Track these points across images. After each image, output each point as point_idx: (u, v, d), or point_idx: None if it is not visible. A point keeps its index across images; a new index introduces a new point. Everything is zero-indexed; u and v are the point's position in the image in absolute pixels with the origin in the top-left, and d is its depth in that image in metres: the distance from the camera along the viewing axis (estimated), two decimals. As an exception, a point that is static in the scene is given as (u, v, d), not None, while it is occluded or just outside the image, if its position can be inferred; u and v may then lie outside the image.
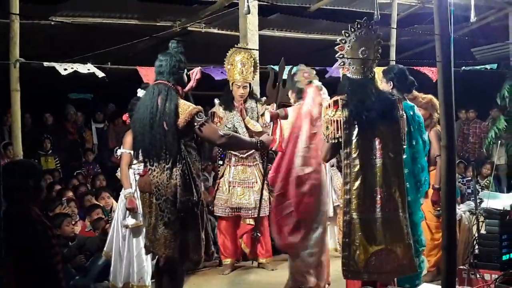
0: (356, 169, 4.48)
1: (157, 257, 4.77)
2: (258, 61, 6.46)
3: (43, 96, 8.61)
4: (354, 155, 4.49)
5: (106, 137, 11.19)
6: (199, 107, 4.52)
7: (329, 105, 4.54)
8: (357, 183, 4.46)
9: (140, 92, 6.09)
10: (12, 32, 6.30)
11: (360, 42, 4.75)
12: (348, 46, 4.71)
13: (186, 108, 4.44)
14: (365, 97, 4.56)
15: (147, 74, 7.43)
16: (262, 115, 6.52)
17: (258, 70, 6.83)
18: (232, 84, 6.58)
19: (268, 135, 5.04)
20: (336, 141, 4.50)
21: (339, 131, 4.48)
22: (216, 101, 6.67)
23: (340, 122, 4.46)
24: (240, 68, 6.42)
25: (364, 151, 4.50)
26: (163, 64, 4.59)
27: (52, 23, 8.31)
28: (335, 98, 4.55)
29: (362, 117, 4.47)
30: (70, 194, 7.75)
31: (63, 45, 9.26)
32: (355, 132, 4.48)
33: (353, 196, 4.46)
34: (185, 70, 4.69)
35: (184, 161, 4.46)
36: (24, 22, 6.67)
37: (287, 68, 5.77)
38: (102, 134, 11.32)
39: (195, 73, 4.74)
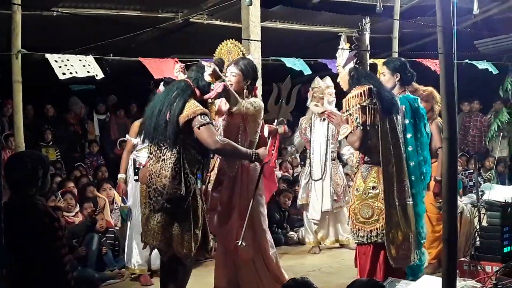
0: (390, 157, 4.76)
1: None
2: (245, 52, 6.47)
3: (45, 87, 8.59)
4: (389, 142, 4.76)
5: (108, 128, 11.20)
6: (206, 110, 4.68)
7: (363, 93, 4.74)
8: (394, 169, 4.77)
9: (162, 87, 6.23)
10: (14, 23, 6.28)
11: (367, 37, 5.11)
12: (362, 40, 4.91)
13: (193, 107, 4.60)
14: (386, 88, 4.96)
15: (151, 64, 7.43)
16: None
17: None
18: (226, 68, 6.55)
19: (265, 149, 5.10)
20: (369, 127, 4.75)
21: (375, 118, 4.73)
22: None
23: (375, 109, 4.73)
24: (227, 57, 6.40)
25: (395, 138, 4.80)
26: (198, 70, 4.86)
27: (54, 14, 8.27)
28: (367, 86, 4.76)
29: (391, 106, 4.81)
30: (72, 185, 7.78)
31: (65, 36, 9.23)
32: (387, 120, 4.76)
33: (393, 182, 4.75)
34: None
35: (178, 155, 4.59)
36: (26, 13, 6.64)
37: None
38: (104, 126, 11.33)
39: (218, 86, 4.82)
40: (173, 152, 4.61)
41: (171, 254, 4.75)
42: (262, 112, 5.21)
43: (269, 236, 5.35)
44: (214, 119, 5.78)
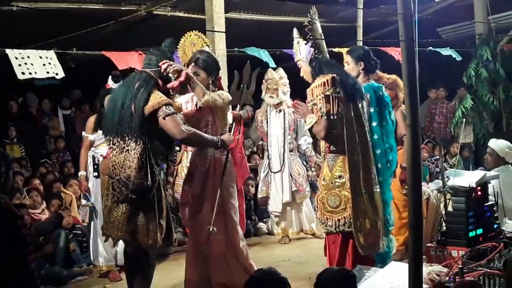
0: (356, 145, 4.77)
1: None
2: (208, 44, 6.44)
3: (7, 82, 8.44)
4: (354, 131, 4.77)
5: (73, 123, 11.05)
6: (170, 100, 4.70)
7: (326, 82, 4.75)
8: (359, 158, 4.78)
9: (110, 81, 6.16)
10: (-27, 18, 6.17)
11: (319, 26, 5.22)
12: (314, 30, 4.95)
13: (157, 97, 4.60)
14: (349, 75, 4.96)
15: (116, 58, 7.35)
16: None
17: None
18: (185, 66, 6.50)
19: (230, 134, 5.10)
20: (334, 117, 4.74)
21: (339, 107, 4.74)
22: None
23: (339, 98, 4.75)
24: (190, 48, 6.36)
25: (361, 126, 4.81)
26: (153, 58, 4.85)
27: (14, 8, 8.14)
28: (330, 75, 4.77)
29: (355, 91, 4.82)
30: (37, 182, 7.67)
31: (26, 31, 9.08)
32: (352, 108, 4.77)
33: (359, 171, 4.78)
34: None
35: (143, 146, 4.60)
36: (-15, 8, 6.53)
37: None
38: (69, 121, 11.18)
39: (181, 75, 4.82)
40: (139, 143, 4.59)
41: (137, 245, 4.75)
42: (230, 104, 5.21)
43: (239, 228, 5.35)
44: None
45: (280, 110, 7.54)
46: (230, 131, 5.21)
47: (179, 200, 5.45)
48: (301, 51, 5.65)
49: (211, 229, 4.95)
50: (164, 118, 4.57)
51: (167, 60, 4.82)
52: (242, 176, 5.74)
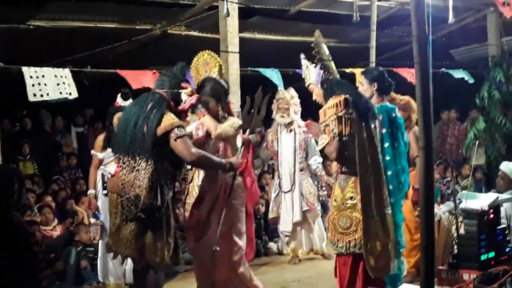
0: (368, 167, 4.75)
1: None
2: (222, 63, 6.50)
3: (22, 100, 8.52)
4: (366, 152, 4.75)
5: (86, 141, 11.11)
6: (182, 122, 4.75)
7: (339, 103, 4.76)
8: (371, 179, 4.74)
9: (119, 99, 6.21)
10: (-10, 36, 6.26)
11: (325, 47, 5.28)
12: (321, 52, 5.00)
13: (169, 119, 4.65)
14: (361, 95, 4.96)
15: (130, 77, 7.41)
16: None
17: (222, 72, 6.80)
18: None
19: (238, 158, 5.13)
20: (346, 138, 4.75)
21: (351, 128, 4.75)
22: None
23: (352, 119, 4.74)
24: (203, 68, 6.42)
25: (373, 148, 4.79)
26: (166, 80, 4.91)
27: (31, 27, 8.26)
28: (343, 96, 4.78)
29: (367, 111, 4.81)
30: (49, 199, 7.71)
31: (42, 49, 9.18)
32: (364, 129, 4.76)
33: (371, 192, 4.74)
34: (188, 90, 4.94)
35: (154, 166, 4.63)
36: (3, 26, 6.61)
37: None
38: (82, 138, 11.24)
39: (192, 98, 4.91)
40: (149, 163, 4.63)
41: (144, 263, 4.77)
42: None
43: (243, 253, 5.34)
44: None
45: (290, 130, 7.56)
46: (238, 154, 5.24)
47: (186, 224, 5.47)
48: (311, 75, 5.70)
49: (214, 249, 4.96)
50: (175, 140, 4.61)
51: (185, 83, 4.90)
52: (252, 199, 5.74)
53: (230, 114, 5.36)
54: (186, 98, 4.91)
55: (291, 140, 7.57)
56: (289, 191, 7.54)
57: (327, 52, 5.29)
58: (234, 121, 5.18)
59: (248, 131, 5.37)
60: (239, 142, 5.24)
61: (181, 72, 5.06)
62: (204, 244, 5.13)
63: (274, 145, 7.65)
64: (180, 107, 4.89)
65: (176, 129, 4.61)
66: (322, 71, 5.24)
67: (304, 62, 5.89)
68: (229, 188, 5.17)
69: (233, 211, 5.18)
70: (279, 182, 7.62)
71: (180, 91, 4.88)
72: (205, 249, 5.11)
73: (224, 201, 5.14)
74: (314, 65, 5.53)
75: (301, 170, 7.57)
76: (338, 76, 5.25)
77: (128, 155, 4.71)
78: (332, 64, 5.25)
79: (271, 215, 7.74)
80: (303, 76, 5.97)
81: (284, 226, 7.59)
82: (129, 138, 4.68)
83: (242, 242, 5.28)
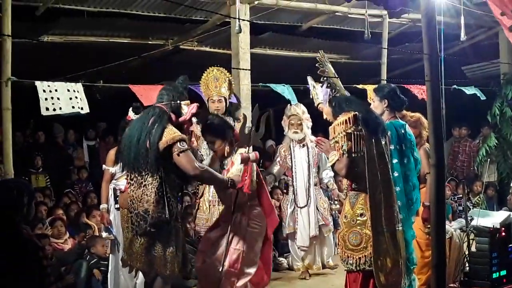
0: (377, 183, 4.71)
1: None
2: (231, 79, 6.54)
3: (34, 114, 8.59)
4: (376, 168, 4.72)
5: (97, 154, 11.16)
6: (183, 135, 4.77)
7: (348, 120, 4.77)
8: (381, 196, 4.71)
9: (131, 113, 6.26)
10: (4, 50, 6.33)
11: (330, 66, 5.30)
12: (327, 70, 5.04)
13: (171, 133, 4.68)
14: (371, 111, 4.96)
15: (140, 91, 7.45)
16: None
17: (232, 87, 6.85)
18: (208, 100, 6.57)
19: (238, 175, 5.17)
20: (356, 155, 4.74)
21: (361, 145, 4.74)
22: (194, 119, 6.66)
23: (361, 135, 4.74)
24: (213, 83, 6.45)
25: (384, 164, 4.76)
26: (164, 93, 4.94)
27: (45, 41, 8.34)
28: (352, 113, 4.79)
29: (377, 126, 4.79)
30: (60, 212, 7.74)
31: (55, 63, 9.27)
32: (374, 146, 4.74)
33: (381, 209, 4.71)
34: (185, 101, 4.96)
35: (160, 180, 4.68)
36: (17, 40, 6.68)
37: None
38: (93, 152, 11.30)
39: (192, 107, 4.96)
40: (155, 177, 4.68)
41: (154, 276, 4.80)
42: None
43: (247, 280, 5.35)
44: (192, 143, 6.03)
45: (303, 145, 7.57)
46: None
47: (199, 247, 5.51)
48: (319, 94, 5.74)
49: (220, 270, 4.99)
50: (178, 155, 4.65)
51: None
52: (272, 225, 5.75)
53: (237, 138, 5.41)
54: (187, 108, 4.95)
55: (305, 155, 7.59)
56: (304, 206, 7.55)
57: (332, 70, 5.33)
58: (239, 155, 5.23)
59: (247, 149, 5.43)
60: (238, 160, 5.29)
61: (181, 85, 5.06)
62: (210, 266, 5.17)
63: (288, 161, 7.67)
64: (181, 119, 4.92)
65: (178, 143, 4.65)
66: (329, 90, 5.27)
67: (310, 82, 5.94)
68: (246, 218, 5.23)
69: (248, 240, 5.24)
70: (294, 198, 7.62)
71: (179, 102, 4.90)
72: (211, 271, 5.14)
73: (238, 228, 5.20)
74: (320, 84, 5.58)
75: (315, 184, 7.58)
76: (346, 92, 5.27)
77: (134, 171, 4.76)
78: (339, 81, 5.28)
79: (287, 231, 7.71)
80: (311, 97, 6.02)
81: (302, 241, 7.58)
82: (133, 154, 4.72)
83: (251, 270, 5.29)
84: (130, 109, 6.45)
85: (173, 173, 4.75)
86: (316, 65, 5.33)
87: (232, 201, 5.24)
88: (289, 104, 8.01)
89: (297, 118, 7.53)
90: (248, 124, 5.41)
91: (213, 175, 4.98)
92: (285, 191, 8.20)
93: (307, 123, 7.57)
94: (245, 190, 5.10)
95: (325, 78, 5.23)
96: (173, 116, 4.86)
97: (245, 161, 5.21)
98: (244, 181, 5.08)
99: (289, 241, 7.78)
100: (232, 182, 5.04)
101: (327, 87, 5.24)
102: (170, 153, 4.66)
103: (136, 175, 4.74)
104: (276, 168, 7.87)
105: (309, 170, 7.57)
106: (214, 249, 5.24)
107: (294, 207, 7.61)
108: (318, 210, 7.51)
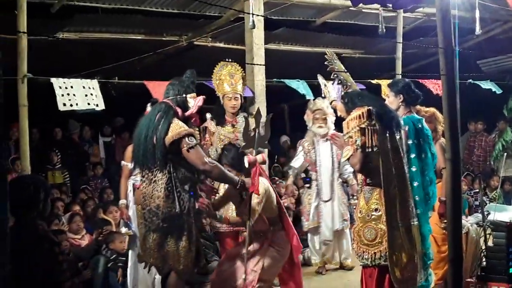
0: (392, 178, 4.71)
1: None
2: (245, 74, 6.55)
3: (50, 110, 8.65)
4: (391, 163, 4.71)
5: (113, 151, 11.22)
6: (191, 130, 4.80)
7: (362, 115, 4.75)
8: (396, 191, 4.70)
9: (149, 108, 6.28)
10: (20, 47, 6.37)
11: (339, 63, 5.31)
12: (337, 67, 5.12)
13: (177, 128, 4.72)
14: (384, 105, 4.96)
15: (155, 88, 7.47)
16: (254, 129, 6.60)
17: (246, 83, 6.85)
18: (223, 97, 6.56)
19: (249, 179, 5.22)
20: (370, 149, 4.73)
21: (375, 140, 4.73)
22: (208, 115, 6.67)
23: (375, 130, 4.73)
24: (229, 80, 6.45)
25: (398, 159, 4.74)
26: (170, 88, 4.99)
27: (60, 38, 8.39)
28: (366, 108, 4.78)
29: (390, 120, 4.77)
30: (77, 208, 7.79)
31: (70, 60, 9.32)
32: (388, 140, 4.72)
33: (396, 204, 4.70)
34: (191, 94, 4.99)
35: (169, 175, 4.72)
36: (32, 38, 6.72)
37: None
38: (109, 148, 11.36)
39: (198, 100, 4.99)
40: (164, 173, 4.72)
41: (168, 271, 4.85)
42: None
43: None
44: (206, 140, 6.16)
45: (327, 139, 7.54)
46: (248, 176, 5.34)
47: (219, 261, 5.62)
48: (331, 92, 5.74)
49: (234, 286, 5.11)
50: (188, 151, 4.68)
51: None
52: (298, 250, 5.77)
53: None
54: (193, 101, 4.97)
55: (329, 149, 7.58)
56: (328, 200, 7.56)
57: (342, 66, 5.33)
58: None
59: (254, 152, 5.47)
60: (246, 163, 5.32)
61: (188, 79, 5.07)
62: (224, 282, 5.22)
63: (312, 155, 7.66)
64: (187, 113, 4.95)
65: (186, 139, 4.68)
66: (340, 86, 5.28)
67: (321, 81, 5.94)
68: (268, 241, 5.32)
69: (267, 264, 5.29)
70: (318, 192, 7.63)
71: (185, 96, 4.93)
72: (224, 286, 5.19)
73: (258, 250, 5.29)
74: (331, 82, 5.59)
75: (342, 180, 7.58)
76: (356, 87, 5.26)
77: (145, 168, 4.82)
78: (349, 77, 5.28)
79: (311, 225, 7.70)
80: (323, 95, 6.03)
81: (326, 235, 7.59)
82: (141, 151, 4.77)
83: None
84: (149, 104, 6.46)
85: (183, 167, 4.77)
86: (325, 63, 5.34)
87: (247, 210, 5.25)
88: (312, 99, 8.00)
89: (322, 112, 7.51)
90: (262, 122, 5.42)
91: (223, 172, 5.00)
92: (307, 185, 8.20)
93: (331, 117, 7.56)
94: (255, 193, 5.14)
95: (335, 75, 5.23)
96: (179, 110, 4.89)
97: (252, 164, 5.25)
98: (255, 184, 5.12)
99: (309, 235, 7.78)
100: (243, 183, 5.08)
101: (338, 83, 5.25)
102: (179, 148, 4.69)
103: (147, 172, 4.80)
104: (299, 162, 7.90)
105: (333, 165, 7.57)
106: (231, 265, 5.30)
107: (318, 201, 7.62)
108: (341, 205, 7.53)
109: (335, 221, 7.52)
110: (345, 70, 5.32)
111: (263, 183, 5.24)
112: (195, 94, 5.02)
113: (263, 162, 5.58)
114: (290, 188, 8.47)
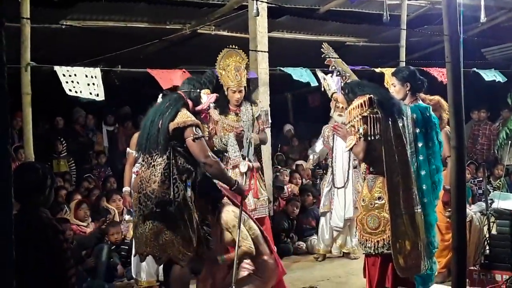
0: (395, 166, 4.70)
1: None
2: (248, 62, 6.55)
3: (54, 99, 8.65)
4: (394, 151, 4.69)
5: (116, 139, 11.23)
6: (198, 121, 4.82)
7: (364, 103, 4.71)
8: (399, 179, 4.69)
9: (160, 99, 6.28)
10: (23, 36, 6.35)
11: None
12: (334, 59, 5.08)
13: (184, 116, 4.75)
14: (386, 93, 4.95)
15: (159, 74, 7.46)
16: (258, 117, 6.59)
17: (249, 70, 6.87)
18: (227, 89, 6.55)
19: (244, 183, 5.34)
20: (372, 138, 4.70)
21: (377, 128, 4.70)
22: (212, 104, 6.65)
23: (377, 118, 4.70)
24: (234, 73, 6.43)
25: (401, 146, 4.73)
26: (187, 82, 5.08)
27: (63, 26, 8.37)
28: (367, 96, 4.74)
29: (392, 106, 4.75)
30: (79, 197, 7.80)
31: (73, 48, 9.31)
32: (391, 128, 4.70)
33: (399, 192, 4.69)
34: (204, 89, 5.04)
35: (168, 161, 4.72)
36: (35, 26, 6.70)
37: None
38: (112, 137, 11.37)
39: (211, 97, 5.03)
40: (163, 158, 4.72)
41: (166, 259, 4.83)
42: None
43: None
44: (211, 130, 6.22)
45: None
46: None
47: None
48: (330, 85, 5.74)
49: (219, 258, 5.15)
50: (193, 140, 4.70)
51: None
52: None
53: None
54: (206, 97, 5.01)
55: None
56: (342, 187, 7.58)
57: (339, 59, 5.35)
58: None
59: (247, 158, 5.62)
60: (243, 168, 5.45)
61: (207, 77, 5.14)
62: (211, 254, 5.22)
63: (330, 142, 7.69)
64: (198, 107, 4.98)
65: (194, 129, 4.70)
66: (339, 78, 5.28)
67: (320, 74, 5.95)
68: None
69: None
70: (332, 178, 7.65)
71: (199, 90, 4.97)
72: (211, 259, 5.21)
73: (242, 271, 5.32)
74: (330, 74, 5.59)
75: (354, 167, 7.58)
76: (356, 77, 5.26)
77: (146, 153, 4.84)
78: (347, 67, 5.29)
79: (322, 210, 7.77)
80: (323, 89, 6.05)
81: (337, 221, 7.62)
82: (145, 135, 4.81)
83: None
84: (160, 95, 6.45)
85: (182, 156, 4.78)
86: (322, 56, 5.34)
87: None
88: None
89: None
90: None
91: (223, 170, 5.05)
92: (324, 171, 8.28)
93: None
94: (254, 196, 5.18)
95: (333, 67, 5.24)
96: (190, 103, 4.92)
97: (249, 169, 5.34)
98: (251, 187, 5.14)
99: (321, 220, 7.84)
100: (238, 185, 5.09)
101: (337, 75, 5.25)
102: (182, 136, 4.71)
103: (147, 156, 4.82)
104: (319, 148, 7.95)
105: (349, 153, 7.58)
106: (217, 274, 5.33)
107: (331, 187, 7.65)
108: (355, 193, 7.54)
109: (347, 209, 7.54)
110: (343, 62, 5.33)
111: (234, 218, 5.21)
112: (208, 90, 5.04)
113: (259, 168, 5.68)
114: (308, 171, 8.52)
